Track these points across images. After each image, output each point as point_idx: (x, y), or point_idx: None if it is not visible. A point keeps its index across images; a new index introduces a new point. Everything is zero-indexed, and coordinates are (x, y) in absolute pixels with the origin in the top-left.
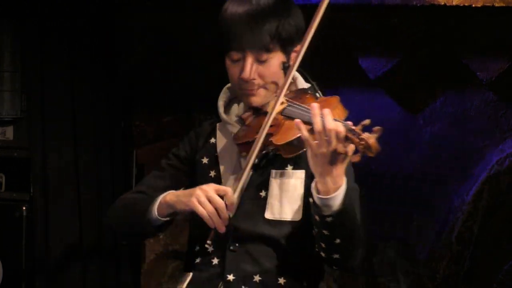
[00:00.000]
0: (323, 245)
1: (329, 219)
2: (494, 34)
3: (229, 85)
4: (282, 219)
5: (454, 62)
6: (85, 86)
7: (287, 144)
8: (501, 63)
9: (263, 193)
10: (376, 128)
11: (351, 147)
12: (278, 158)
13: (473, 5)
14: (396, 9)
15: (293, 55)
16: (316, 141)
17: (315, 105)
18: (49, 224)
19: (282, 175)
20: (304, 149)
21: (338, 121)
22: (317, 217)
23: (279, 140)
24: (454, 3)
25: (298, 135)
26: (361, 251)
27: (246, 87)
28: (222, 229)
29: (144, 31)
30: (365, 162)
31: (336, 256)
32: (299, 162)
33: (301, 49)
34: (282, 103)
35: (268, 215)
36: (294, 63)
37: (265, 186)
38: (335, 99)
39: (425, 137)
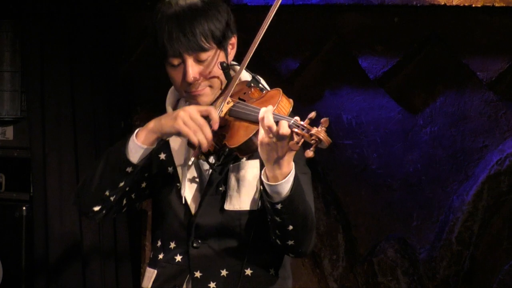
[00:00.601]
0: (277, 232)
1: (278, 205)
2: (494, 34)
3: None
4: (242, 209)
5: (454, 62)
6: (85, 86)
7: (241, 146)
8: (501, 63)
9: (222, 188)
10: (324, 119)
11: (299, 140)
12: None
13: (473, 5)
14: (396, 9)
15: (229, 48)
16: (264, 132)
17: (262, 110)
18: (49, 224)
19: (238, 167)
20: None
21: (283, 118)
22: (268, 205)
23: (233, 142)
24: (454, 3)
25: (250, 135)
26: (313, 235)
27: (191, 89)
28: (205, 147)
29: (144, 31)
30: (365, 162)
31: (290, 242)
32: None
33: (252, 48)
34: (228, 102)
35: (227, 206)
36: (244, 62)
37: (224, 181)
38: (277, 92)
39: (425, 137)
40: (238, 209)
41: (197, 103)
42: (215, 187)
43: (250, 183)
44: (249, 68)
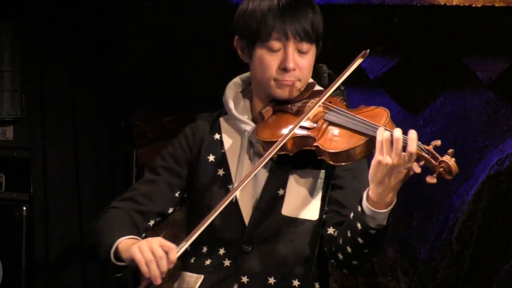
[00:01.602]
0: (348, 249)
1: (372, 231)
2: (494, 34)
3: (234, 80)
4: (299, 217)
5: (454, 62)
6: (85, 86)
7: (340, 153)
8: (501, 63)
9: (281, 192)
10: (450, 150)
11: (423, 164)
12: (298, 156)
13: (473, 5)
14: (396, 9)
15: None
16: (385, 152)
17: (403, 132)
18: (49, 224)
19: (302, 174)
20: (356, 161)
21: (416, 143)
22: (359, 225)
23: (330, 147)
24: (454, 3)
25: (354, 145)
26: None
27: (283, 77)
28: (157, 281)
29: (144, 31)
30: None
31: (355, 262)
32: (320, 162)
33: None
34: (319, 106)
35: (285, 211)
36: (349, 68)
37: (284, 184)
38: (385, 113)
39: (425, 137)
40: (295, 216)
41: (281, 94)
42: (273, 190)
43: (312, 193)
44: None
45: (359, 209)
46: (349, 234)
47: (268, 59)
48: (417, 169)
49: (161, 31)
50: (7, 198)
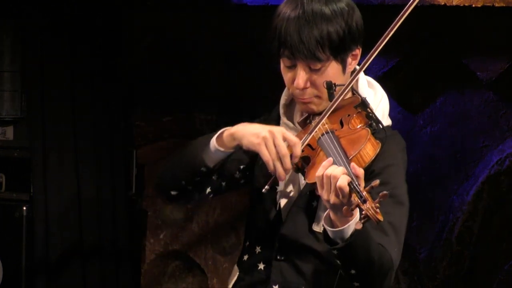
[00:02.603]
0: (342, 272)
1: (334, 251)
2: (494, 34)
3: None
4: None
5: (454, 62)
6: (85, 86)
7: (314, 184)
8: (501, 63)
9: (314, 203)
10: (382, 193)
11: (354, 208)
12: None
13: (473, 5)
14: (396, 9)
15: (350, 60)
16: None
17: (354, 167)
18: (49, 224)
19: None
20: None
21: (352, 183)
22: (327, 247)
23: (308, 177)
24: (454, 3)
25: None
26: (387, 278)
27: (298, 95)
28: (282, 178)
29: (144, 31)
30: None
31: (356, 284)
32: None
33: (363, 65)
34: (324, 125)
35: (315, 226)
36: (350, 81)
37: (317, 196)
38: (365, 134)
39: (425, 137)
40: None
41: (304, 110)
42: (307, 200)
43: None
44: (249, 68)
45: (323, 231)
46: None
47: (285, 74)
48: (347, 213)
49: (161, 31)
50: (7, 198)
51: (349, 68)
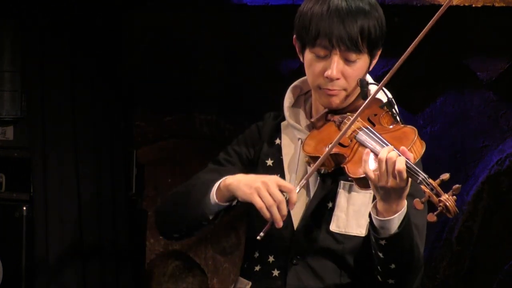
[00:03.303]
0: (379, 268)
1: (383, 242)
2: (494, 34)
3: (295, 83)
4: (348, 233)
5: (454, 62)
6: (85, 86)
7: (360, 179)
8: (501, 63)
9: (330, 204)
10: (456, 186)
11: (425, 199)
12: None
13: (473, 5)
14: (396, 9)
15: (373, 61)
16: (378, 175)
17: (404, 150)
18: (49, 224)
19: (351, 188)
20: None
21: (415, 171)
22: (373, 239)
23: (353, 172)
24: (454, 3)
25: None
26: (418, 276)
27: (327, 86)
28: (279, 224)
29: (144, 31)
30: None
31: (391, 281)
32: None
33: (396, 66)
34: (357, 122)
35: (333, 227)
36: (384, 81)
37: (333, 197)
38: (413, 132)
39: (425, 137)
40: (344, 232)
41: (327, 103)
42: (320, 202)
43: (361, 207)
44: (249, 68)
45: (369, 221)
46: (372, 251)
47: (314, 65)
48: (418, 205)
49: (161, 31)
50: (7, 198)
51: (371, 66)
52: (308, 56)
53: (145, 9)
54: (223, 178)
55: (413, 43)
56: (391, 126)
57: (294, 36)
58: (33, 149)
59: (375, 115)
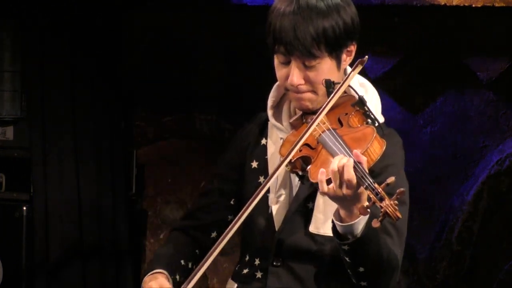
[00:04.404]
0: (349, 271)
1: (345, 247)
2: (494, 34)
3: (278, 82)
4: (326, 234)
5: (454, 62)
6: (85, 86)
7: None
8: (501, 63)
9: (310, 205)
10: (400, 190)
11: (370, 206)
12: None
13: (473, 5)
14: (396, 9)
15: (345, 56)
16: (332, 187)
17: (341, 160)
18: (49, 224)
19: None
20: None
21: (362, 177)
22: (337, 244)
23: (313, 177)
24: (454, 3)
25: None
26: (393, 277)
27: (293, 91)
28: None
29: (144, 31)
30: None
31: (363, 283)
32: None
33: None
34: (324, 123)
35: (312, 228)
36: (339, 86)
37: (313, 197)
38: (371, 132)
39: (425, 137)
40: (323, 234)
41: (297, 107)
42: (302, 203)
43: None
44: (249, 68)
45: (332, 228)
46: (341, 255)
47: (280, 70)
48: (363, 212)
49: (161, 31)
50: (7, 198)
51: (344, 65)
52: (275, 61)
53: (145, 9)
54: (144, 280)
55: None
56: (359, 126)
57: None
58: (33, 149)
59: (346, 114)
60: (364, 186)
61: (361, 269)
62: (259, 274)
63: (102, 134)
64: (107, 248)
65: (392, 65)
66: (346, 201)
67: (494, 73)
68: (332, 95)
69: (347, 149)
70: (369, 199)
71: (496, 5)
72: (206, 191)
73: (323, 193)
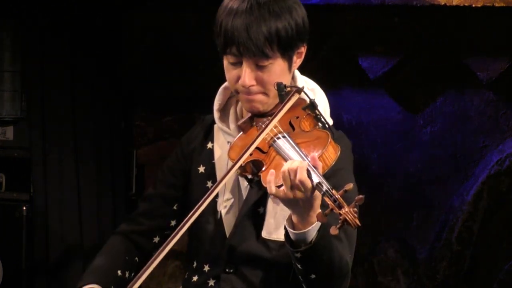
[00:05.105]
0: (300, 278)
1: (298, 254)
2: (494, 34)
3: (226, 84)
4: (278, 239)
5: (454, 62)
6: (85, 86)
7: None
8: (501, 63)
9: (261, 210)
10: (358, 197)
11: (328, 213)
12: None
13: (473, 5)
14: (396, 9)
15: (295, 58)
16: (284, 191)
17: (314, 158)
18: (49, 224)
19: None
20: None
21: (319, 180)
22: (290, 251)
23: (265, 181)
24: (454, 3)
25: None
26: (344, 283)
27: (244, 92)
28: None
29: (144, 31)
30: (365, 162)
31: None
32: None
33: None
34: (276, 127)
35: (264, 234)
36: (290, 97)
37: (264, 202)
38: (325, 137)
39: (425, 137)
40: (276, 239)
41: (248, 109)
42: (252, 208)
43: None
44: None
45: (285, 235)
46: (293, 262)
47: (230, 72)
48: (321, 218)
49: (161, 31)
50: (7, 198)
51: (294, 66)
52: (224, 62)
53: (145, 9)
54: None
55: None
56: (312, 130)
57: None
58: (33, 149)
59: (297, 117)
60: (322, 192)
61: (313, 276)
62: (211, 282)
63: (102, 134)
64: None
65: (392, 65)
66: (298, 207)
67: (494, 73)
68: (284, 102)
69: (302, 154)
70: (326, 205)
71: (496, 5)
72: (148, 196)
73: (272, 195)
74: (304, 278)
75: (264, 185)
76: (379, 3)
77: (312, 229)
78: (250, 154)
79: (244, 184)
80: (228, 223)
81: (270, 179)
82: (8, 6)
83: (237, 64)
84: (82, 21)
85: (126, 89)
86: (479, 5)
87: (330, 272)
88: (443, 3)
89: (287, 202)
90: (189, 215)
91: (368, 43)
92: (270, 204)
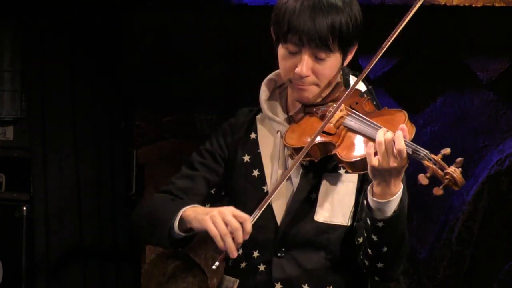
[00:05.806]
0: (369, 251)
1: (380, 223)
2: (494, 34)
3: (270, 76)
4: (333, 223)
5: (454, 62)
6: (85, 86)
7: (356, 162)
8: (501, 63)
9: (313, 196)
10: (459, 159)
11: (430, 175)
12: (330, 159)
13: (473, 5)
14: (396, 9)
15: (349, 54)
16: (379, 158)
17: (403, 128)
18: (49, 224)
19: (334, 178)
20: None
21: (416, 148)
22: (368, 221)
23: (346, 156)
24: (454, 3)
25: (365, 155)
26: (404, 261)
27: (297, 81)
28: (234, 254)
29: (144, 31)
30: None
31: (380, 265)
32: None
33: (379, 53)
34: (341, 110)
35: (318, 217)
36: (365, 70)
37: (316, 188)
38: (403, 115)
39: (425, 137)
40: (329, 222)
41: (298, 98)
42: (305, 194)
43: (345, 197)
44: (249, 68)
45: (365, 203)
46: (365, 234)
47: (286, 60)
48: (423, 180)
49: (161, 31)
50: (7, 198)
51: (345, 62)
52: (281, 50)
53: (145, 9)
54: (184, 209)
55: (387, 40)
56: (373, 111)
57: (272, 28)
58: (33, 149)
59: (357, 103)
60: (420, 157)
61: (385, 249)
62: (262, 267)
63: (102, 134)
64: (107, 248)
65: (392, 65)
66: (389, 176)
67: (494, 73)
68: (358, 79)
69: (383, 128)
70: (425, 169)
71: (496, 5)
72: (190, 175)
73: (371, 166)
74: (375, 251)
75: (345, 160)
76: (379, 3)
77: (395, 200)
78: (319, 138)
79: (294, 172)
80: (279, 210)
81: (370, 152)
82: (8, 6)
83: (296, 53)
84: (82, 21)
85: (126, 89)
86: (479, 5)
87: (401, 245)
88: (443, 3)
89: (379, 172)
90: (262, 202)
91: (368, 43)
92: (323, 189)
